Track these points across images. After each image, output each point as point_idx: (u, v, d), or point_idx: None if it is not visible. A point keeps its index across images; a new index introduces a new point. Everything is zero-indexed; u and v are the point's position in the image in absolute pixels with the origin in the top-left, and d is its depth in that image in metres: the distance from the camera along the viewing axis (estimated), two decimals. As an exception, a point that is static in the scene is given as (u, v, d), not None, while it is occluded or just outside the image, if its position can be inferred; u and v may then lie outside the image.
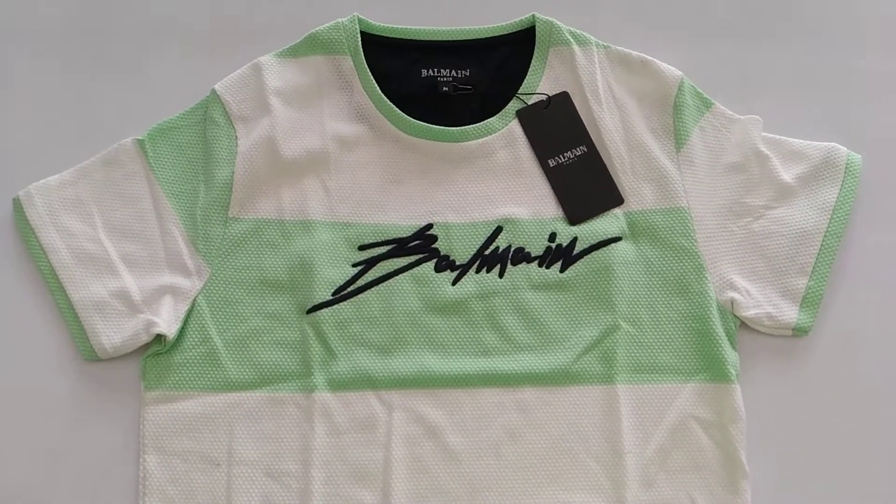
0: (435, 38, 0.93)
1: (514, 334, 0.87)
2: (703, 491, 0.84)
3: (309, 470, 0.83)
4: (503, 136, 0.91)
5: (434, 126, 0.90)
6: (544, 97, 0.92)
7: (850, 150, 0.91)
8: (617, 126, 0.91)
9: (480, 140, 0.91)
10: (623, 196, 0.90)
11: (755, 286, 0.88)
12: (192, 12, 0.99)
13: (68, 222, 0.88)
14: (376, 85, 0.91)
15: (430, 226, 0.89)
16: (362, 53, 0.92)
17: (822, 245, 0.88)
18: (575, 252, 0.89)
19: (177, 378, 0.85)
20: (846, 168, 0.90)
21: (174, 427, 0.84)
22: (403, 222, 0.89)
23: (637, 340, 0.87)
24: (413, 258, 0.89)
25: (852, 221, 0.91)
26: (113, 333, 0.86)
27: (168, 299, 0.87)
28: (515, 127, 0.92)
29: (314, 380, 0.85)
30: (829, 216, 0.89)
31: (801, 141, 0.92)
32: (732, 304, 0.87)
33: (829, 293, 0.89)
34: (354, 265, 0.88)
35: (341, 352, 0.86)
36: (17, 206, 0.89)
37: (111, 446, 0.85)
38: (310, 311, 0.87)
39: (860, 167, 0.91)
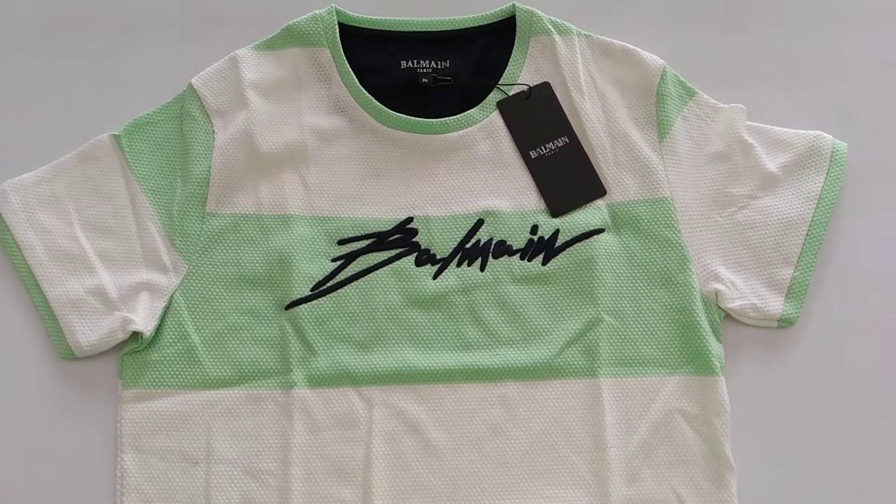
0: (414, 29, 0.92)
1: (496, 328, 0.86)
2: (688, 485, 0.83)
3: (288, 468, 0.83)
4: (484, 127, 0.90)
5: (414, 118, 0.89)
6: (525, 87, 0.91)
7: (835, 139, 0.90)
8: (599, 116, 0.90)
9: (461, 132, 0.90)
10: (605, 187, 0.89)
11: (740, 277, 0.87)
12: (168, 5, 0.98)
13: (44, 219, 0.87)
14: (355, 77, 0.90)
15: (410, 219, 0.88)
16: (340, 45, 0.91)
17: (807, 235, 0.87)
18: (557, 244, 0.88)
19: (154, 376, 0.84)
20: (832, 156, 0.89)
21: (152, 425, 0.84)
22: (383, 216, 0.88)
23: (620, 333, 0.86)
24: (393, 252, 0.88)
25: (838, 210, 0.90)
26: (90, 331, 0.85)
27: (145, 296, 0.86)
28: (496, 118, 0.90)
29: (293, 376, 0.84)
30: (815, 205, 0.88)
31: (786, 129, 0.91)
32: (717, 295, 0.86)
33: (814, 283, 0.88)
34: (334, 260, 0.87)
35: (321, 348, 0.85)
36: (-8, 203, 0.88)
37: (89, 445, 0.85)
38: (288, 306, 0.86)
39: (846, 155, 0.90)
